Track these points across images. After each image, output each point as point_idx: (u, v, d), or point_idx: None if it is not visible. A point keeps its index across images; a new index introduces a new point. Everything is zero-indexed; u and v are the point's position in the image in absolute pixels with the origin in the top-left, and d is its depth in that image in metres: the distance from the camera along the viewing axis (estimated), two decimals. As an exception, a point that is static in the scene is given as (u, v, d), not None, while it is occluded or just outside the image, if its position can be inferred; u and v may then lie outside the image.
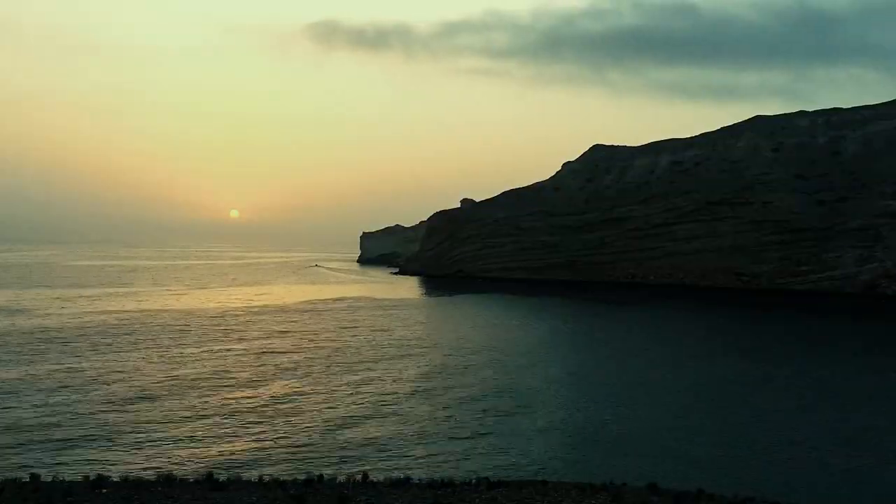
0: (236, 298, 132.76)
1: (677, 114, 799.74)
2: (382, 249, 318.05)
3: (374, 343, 76.65)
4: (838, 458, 36.97)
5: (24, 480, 23.55)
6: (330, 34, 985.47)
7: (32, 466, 30.70)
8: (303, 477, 25.22)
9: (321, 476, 25.73)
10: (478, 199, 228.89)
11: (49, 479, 24.03)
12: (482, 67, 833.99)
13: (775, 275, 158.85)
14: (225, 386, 52.69)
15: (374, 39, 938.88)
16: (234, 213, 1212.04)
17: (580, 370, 63.43)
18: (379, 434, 40.17)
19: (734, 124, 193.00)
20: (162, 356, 64.84)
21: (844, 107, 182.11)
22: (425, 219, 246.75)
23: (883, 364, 69.57)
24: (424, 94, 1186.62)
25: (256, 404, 47.10)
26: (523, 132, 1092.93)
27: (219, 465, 32.78)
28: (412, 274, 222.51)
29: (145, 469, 31.44)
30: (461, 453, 36.67)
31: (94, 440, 37.43)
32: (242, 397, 49.09)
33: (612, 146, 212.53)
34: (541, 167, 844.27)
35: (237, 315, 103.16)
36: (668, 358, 70.15)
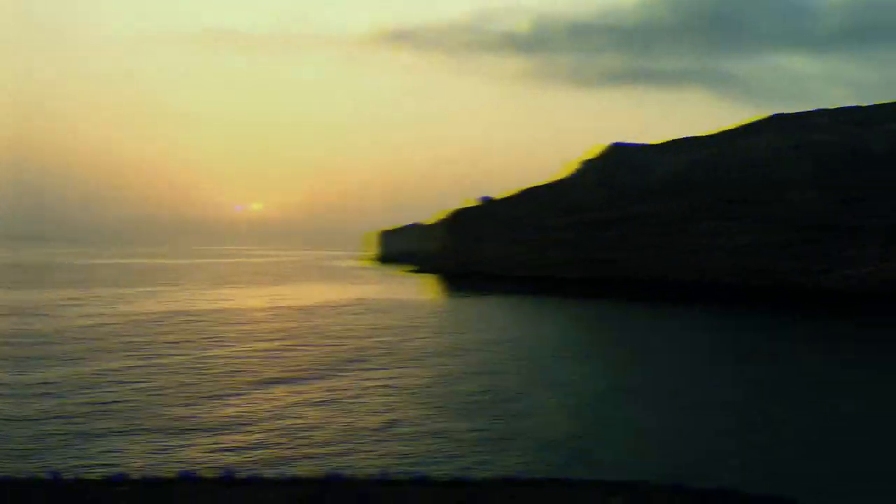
0: (256, 297, 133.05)
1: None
2: (402, 247, 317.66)
3: (398, 344, 76.28)
4: (867, 459, 36.31)
5: (41, 478, 23.47)
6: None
7: (48, 463, 30.67)
8: (322, 475, 24.93)
9: (340, 474, 25.44)
10: (498, 197, 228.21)
11: (66, 476, 23.88)
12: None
13: (797, 273, 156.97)
14: (245, 385, 52.65)
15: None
16: (257, 207, 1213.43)
17: (609, 370, 62.90)
18: (399, 432, 39.89)
19: (753, 122, 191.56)
20: (185, 355, 64.98)
21: (865, 104, 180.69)
22: (445, 216, 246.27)
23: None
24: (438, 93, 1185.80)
25: (276, 402, 47.01)
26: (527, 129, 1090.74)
27: (238, 463, 32.63)
28: (432, 272, 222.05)
29: (163, 467, 31.32)
30: (485, 452, 36.27)
31: (110, 437, 37.41)
32: (262, 395, 49.02)
33: (632, 144, 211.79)
34: (548, 162, 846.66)
35: (256, 314, 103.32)
36: (697, 359, 69.49)
